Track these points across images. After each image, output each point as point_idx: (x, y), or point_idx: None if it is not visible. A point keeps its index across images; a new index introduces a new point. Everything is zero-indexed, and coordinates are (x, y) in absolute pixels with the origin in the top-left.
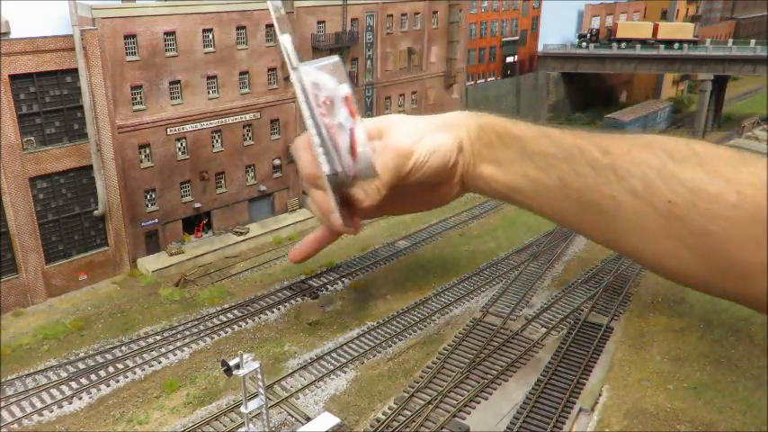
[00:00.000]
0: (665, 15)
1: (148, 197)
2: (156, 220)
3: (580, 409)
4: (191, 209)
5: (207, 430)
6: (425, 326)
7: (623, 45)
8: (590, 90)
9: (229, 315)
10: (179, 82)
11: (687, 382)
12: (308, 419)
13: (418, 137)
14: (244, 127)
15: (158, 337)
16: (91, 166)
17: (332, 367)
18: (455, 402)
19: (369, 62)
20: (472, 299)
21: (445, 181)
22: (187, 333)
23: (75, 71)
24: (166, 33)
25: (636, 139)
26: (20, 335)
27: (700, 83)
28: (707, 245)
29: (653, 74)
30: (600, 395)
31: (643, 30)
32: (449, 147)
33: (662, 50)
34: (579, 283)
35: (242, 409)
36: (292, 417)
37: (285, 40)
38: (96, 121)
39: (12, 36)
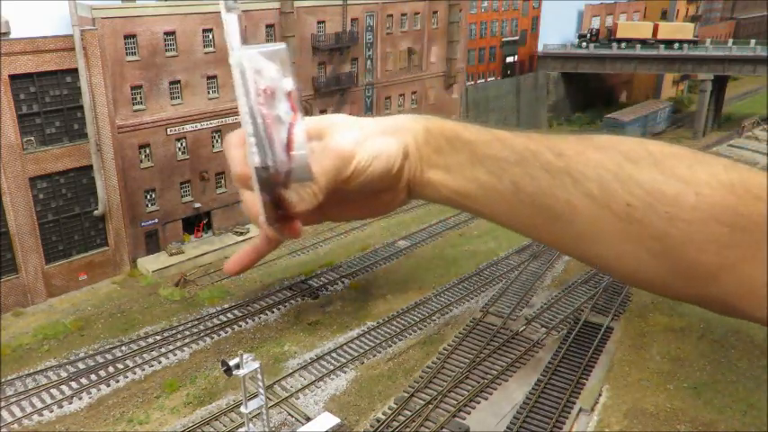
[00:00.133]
0: (665, 15)
1: (148, 197)
2: (156, 220)
3: (580, 409)
4: (191, 209)
5: (207, 430)
6: (425, 326)
7: (623, 45)
8: (590, 90)
9: (229, 315)
10: (179, 82)
11: (687, 382)
12: (308, 419)
13: (361, 140)
14: None
15: (158, 337)
16: (91, 166)
17: (332, 367)
18: (455, 402)
19: (369, 62)
20: (472, 299)
21: (389, 187)
22: (187, 333)
23: (75, 71)
24: (166, 33)
25: (589, 140)
26: (20, 335)
27: (700, 83)
28: (667, 248)
29: (653, 74)
30: (600, 395)
31: (643, 30)
32: (393, 151)
33: (662, 50)
34: (579, 283)
35: (242, 409)
36: (292, 417)
37: (230, 19)
38: (96, 121)
39: (12, 36)
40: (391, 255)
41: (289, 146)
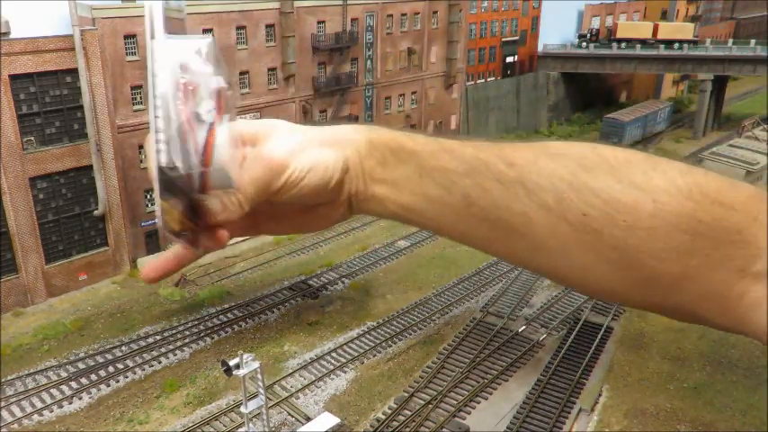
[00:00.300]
0: (665, 15)
1: (148, 197)
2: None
3: (580, 409)
4: None
5: (207, 430)
6: (425, 326)
7: (623, 45)
8: (590, 90)
9: (229, 315)
10: None
11: (687, 382)
12: (308, 419)
13: (297, 150)
14: None
15: (158, 337)
16: (91, 166)
17: (332, 367)
18: (455, 402)
19: (369, 62)
20: (472, 299)
21: (326, 202)
22: (187, 333)
23: (75, 71)
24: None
25: (541, 147)
26: (20, 335)
27: (700, 83)
28: (626, 258)
29: (653, 74)
30: (600, 395)
31: (643, 30)
32: (330, 165)
33: (662, 50)
34: None
35: (242, 409)
36: (292, 417)
37: (154, 6)
38: (96, 121)
39: (12, 36)
40: (391, 255)
41: (206, 148)
